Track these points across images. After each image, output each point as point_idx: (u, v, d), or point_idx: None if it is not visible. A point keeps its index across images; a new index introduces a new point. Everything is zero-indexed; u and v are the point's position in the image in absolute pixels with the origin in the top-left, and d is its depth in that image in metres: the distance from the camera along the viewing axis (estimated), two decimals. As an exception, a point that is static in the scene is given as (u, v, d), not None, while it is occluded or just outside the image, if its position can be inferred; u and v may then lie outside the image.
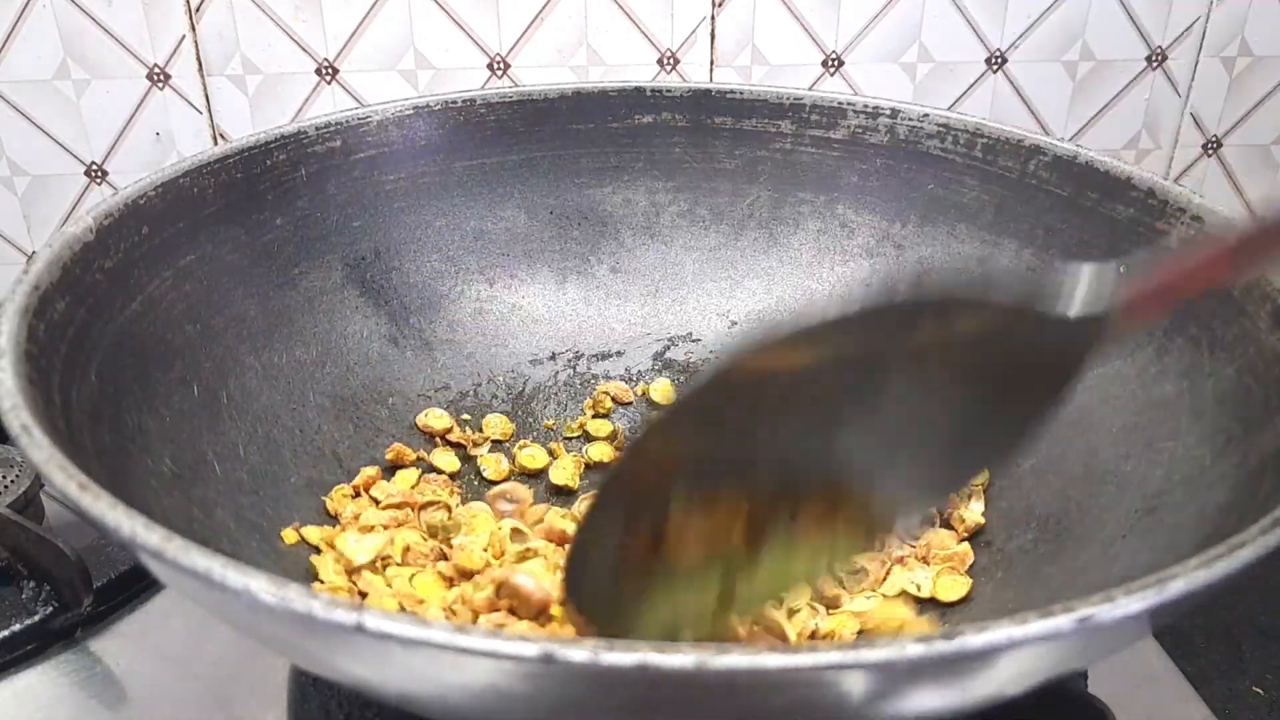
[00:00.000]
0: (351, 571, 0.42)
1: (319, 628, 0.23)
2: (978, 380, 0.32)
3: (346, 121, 0.51)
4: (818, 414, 0.33)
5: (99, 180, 0.72)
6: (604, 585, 0.35)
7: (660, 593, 0.34)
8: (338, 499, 0.46)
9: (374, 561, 0.42)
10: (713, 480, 0.33)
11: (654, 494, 0.33)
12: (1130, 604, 0.24)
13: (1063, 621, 0.23)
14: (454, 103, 0.54)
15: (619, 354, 0.57)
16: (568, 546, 0.38)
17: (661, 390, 0.56)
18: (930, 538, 0.45)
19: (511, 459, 0.52)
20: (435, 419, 0.51)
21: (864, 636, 0.41)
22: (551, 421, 0.54)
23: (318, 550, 0.43)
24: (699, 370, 0.34)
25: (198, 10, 0.67)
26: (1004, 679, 0.26)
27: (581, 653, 0.22)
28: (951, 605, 0.43)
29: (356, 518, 0.44)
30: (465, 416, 0.53)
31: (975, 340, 0.31)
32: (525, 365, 0.56)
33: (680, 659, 0.21)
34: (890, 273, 0.54)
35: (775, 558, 0.34)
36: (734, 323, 0.57)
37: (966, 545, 0.44)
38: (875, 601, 0.42)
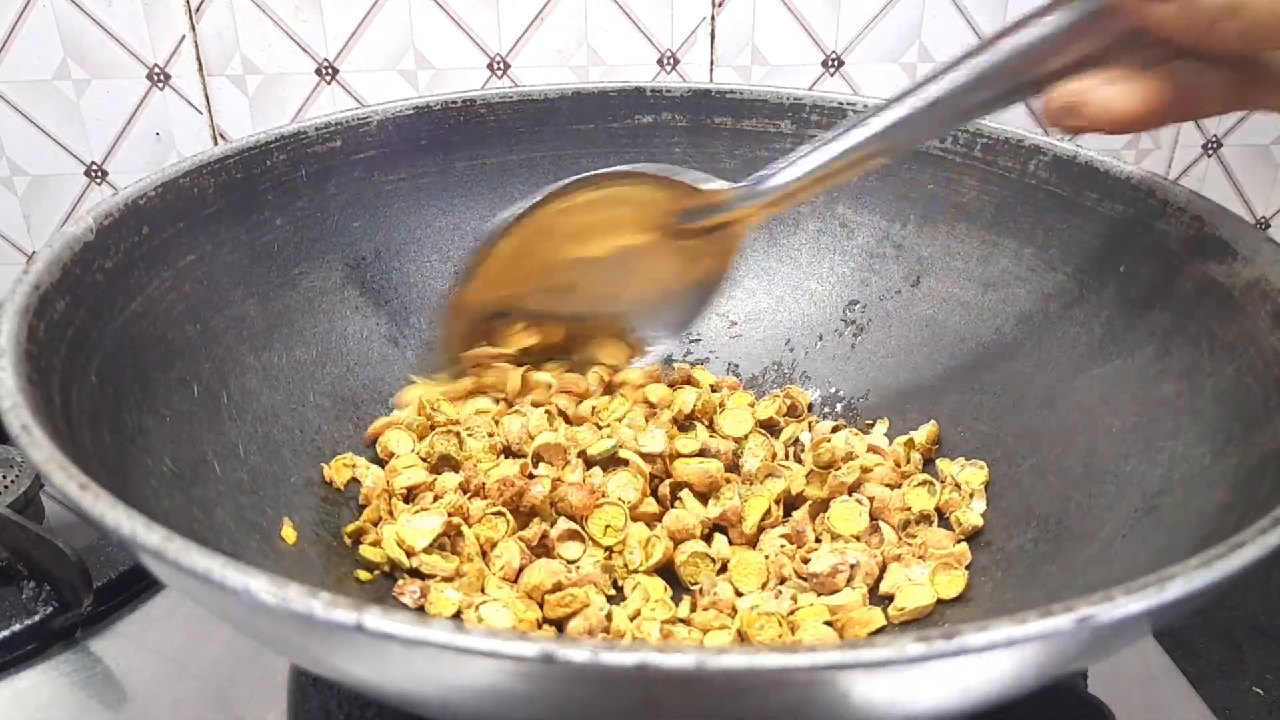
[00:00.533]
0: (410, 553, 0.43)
1: (319, 627, 0.23)
2: (688, 248, 0.49)
3: (346, 121, 0.51)
4: (591, 263, 0.51)
5: (99, 180, 0.72)
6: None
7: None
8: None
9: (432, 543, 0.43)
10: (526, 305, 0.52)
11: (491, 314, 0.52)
12: (1130, 604, 0.24)
13: (1063, 621, 0.23)
14: (454, 103, 0.54)
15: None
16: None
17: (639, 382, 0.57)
18: (927, 536, 0.45)
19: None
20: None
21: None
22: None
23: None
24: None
25: (198, 10, 0.67)
26: (1004, 679, 0.26)
27: (582, 653, 0.22)
28: (949, 602, 0.43)
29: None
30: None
31: (661, 208, 0.48)
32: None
33: (680, 659, 0.22)
34: (885, 270, 0.54)
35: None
36: (733, 322, 0.57)
37: (964, 545, 0.44)
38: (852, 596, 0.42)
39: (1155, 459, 0.40)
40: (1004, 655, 0.23)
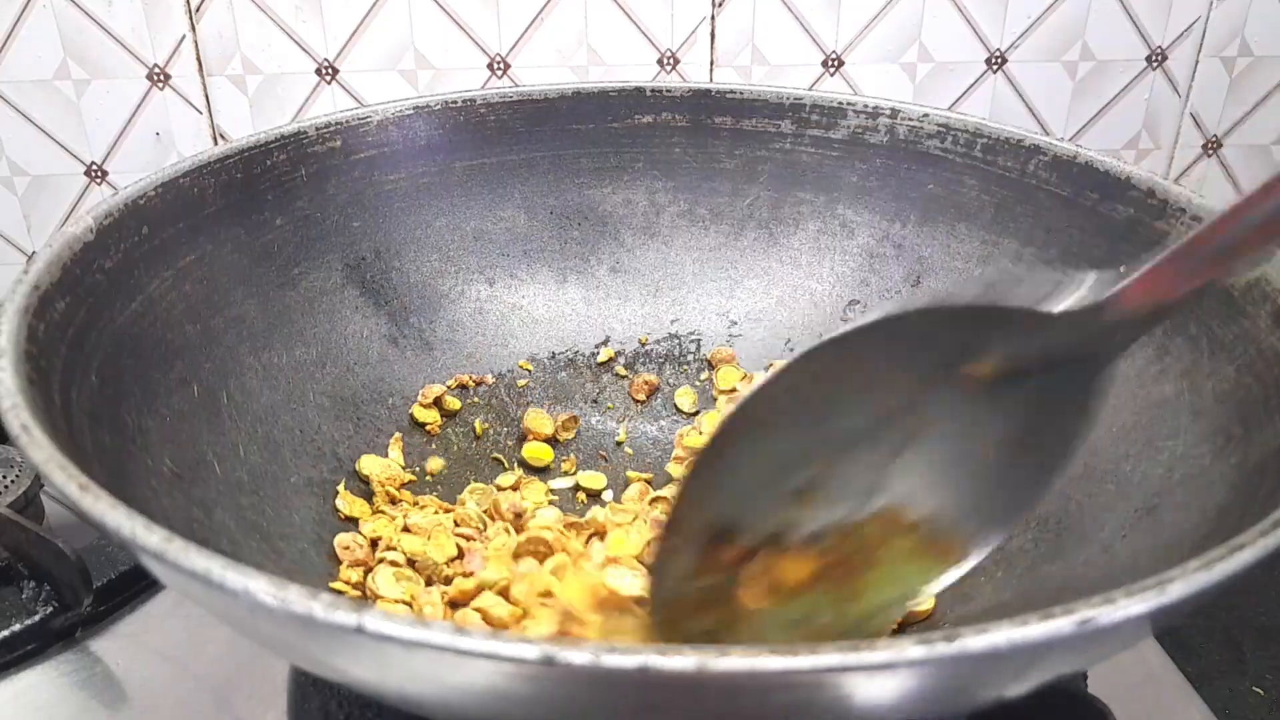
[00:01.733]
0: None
1: (319, 629, 0.23)
2: (1012, 401, 0.33)
3: (347, 121, 0.51)
4: (867, 434, 0.34)
5: (99, 180, 0.72)
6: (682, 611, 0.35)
7: (743, 625, 0.35)
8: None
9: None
10: (778, 514, 0.35)
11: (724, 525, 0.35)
12: (1131, 606, 0.24)
13: (1063, 624, 0.23)
14: (454, 103, 0.54)
15: (619, 354, 0.57)
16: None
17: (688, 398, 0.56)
18: None
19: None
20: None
21: None
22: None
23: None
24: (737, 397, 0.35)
25: (198, 10, 0.67)
26: (1004, 680, 0.26)
27: (583, 655, 0.22)
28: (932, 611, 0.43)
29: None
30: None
31: (991, 351, 0.32)
32: (523, 371, 0.56)
33: (681, 661, 0.21)
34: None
35: (852, 591, 0.36)
36: (733, 322, 0.57)
37: None
38: None
39: (1155, 459, 0.40)
40: (1005, 658, 0.23)
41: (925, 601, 0.42)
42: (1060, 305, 0.31)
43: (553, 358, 0.56)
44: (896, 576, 0.36)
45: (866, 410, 0.34)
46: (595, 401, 0.56)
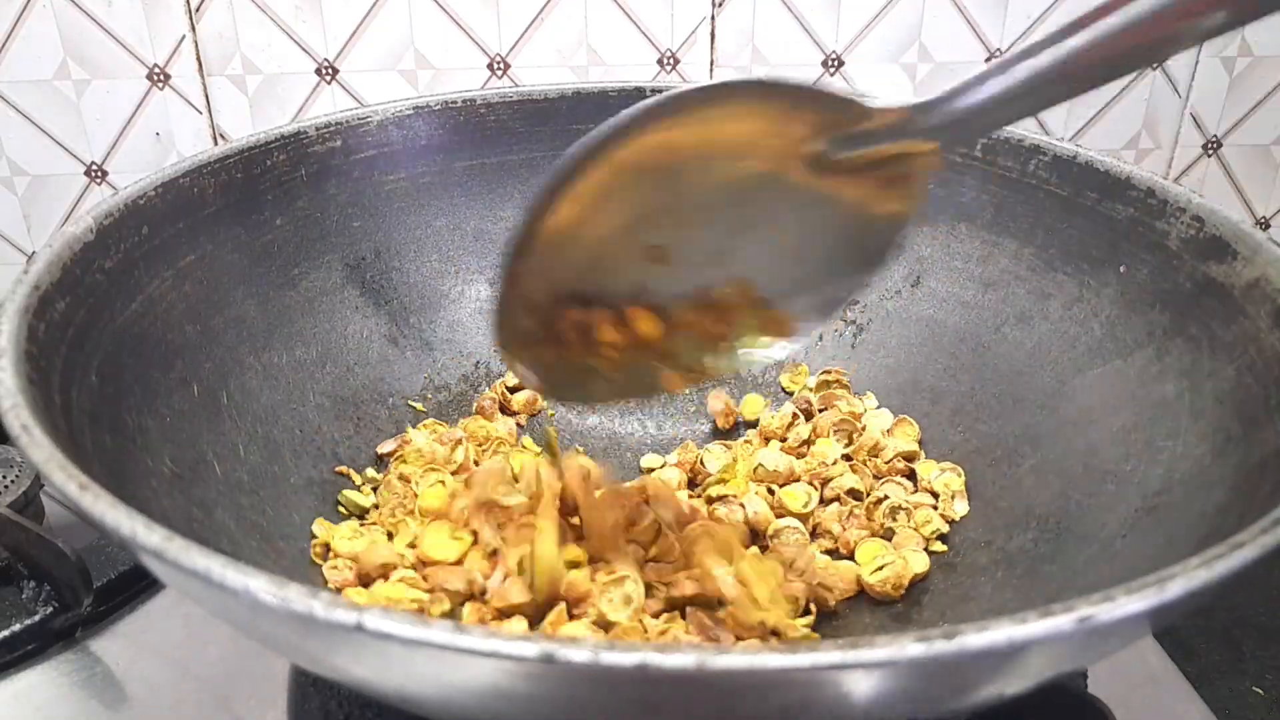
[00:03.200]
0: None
1: (319, 628, 0.23)
2: (842, 192, 0.36)
3: (347, 121, 0.51)
4: (705, 210, 0.37)
5: (99, 180, 0.72)
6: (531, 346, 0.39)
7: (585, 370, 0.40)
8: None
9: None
10: (613, 277, 0.38)
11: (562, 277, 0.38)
12: (1131, 604, 0.24)
13: (1063, 621, 0.23)
14: (454, 103, 0.54)
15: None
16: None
17: None
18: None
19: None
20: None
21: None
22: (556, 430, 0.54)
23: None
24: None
25: (198, 10, 0.67)
26: (1004, 678, 0.26)
27: (582, 653, 0.22)
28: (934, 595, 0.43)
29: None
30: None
31: (821, 135, 0.35)
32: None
33: (680, 659, 0.21)
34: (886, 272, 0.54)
35: (685, 347, 0.40)
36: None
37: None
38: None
39: (1155, 459, 0.40)
40: (1004, 656, 0.23)
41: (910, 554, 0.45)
42: (881, 102, 0.34)
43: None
44: (741, 341, 0.40)
45: (709, 179, 0.36)
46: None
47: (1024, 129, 0.50)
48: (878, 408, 0.53)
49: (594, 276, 0.38)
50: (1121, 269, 0.45)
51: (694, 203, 0.36)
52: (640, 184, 0.35)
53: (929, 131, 0.33)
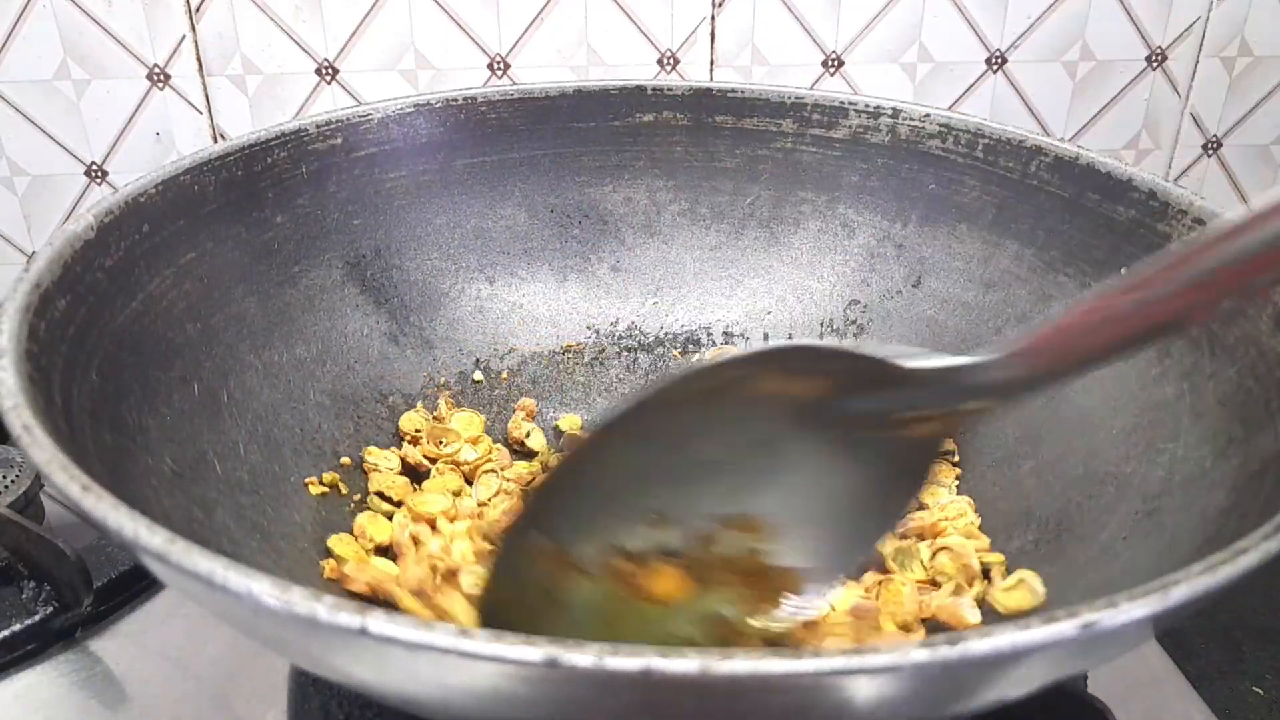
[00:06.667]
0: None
1: (322, 631, 0.23)
2: (865, 451, 0.34)
3: (347, 119, 0.51)
4: (729, 460, 0.35)
5: (99, 180, 0.71)
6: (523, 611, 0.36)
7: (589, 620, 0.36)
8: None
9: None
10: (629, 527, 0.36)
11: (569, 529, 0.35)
12: (1134, 609, 0.24)
13: (1066, 627, 0.23)
14: (455, 100, 0.54)
15: (618, 353, 0.57)
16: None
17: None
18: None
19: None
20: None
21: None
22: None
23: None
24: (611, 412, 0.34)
25: (198, 10, 0.67)
26: (1006, 683, 0.26)
27: (586, 657, 0.22)
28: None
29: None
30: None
31: (847, 392, 0.33)
32: (526, 364, 0.56)
33: (684, 664, 0.21)
34: (890, 272, 0.54)
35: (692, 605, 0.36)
36: (734, 321, 0.57)
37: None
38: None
39: (1156, 461, 0.40)
40: (1008, 661, 0.23)
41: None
42: (915, 363, 0.32)
43: (552, 356, 0.56)
44: (731, 598, 0.36)
45: (724, 441, 0.35)
46: (592, 401, 0.56)
47: (1025, 129, 0.50)
48: None
49: (597, 530, 0.36)
50: (1123, 271, 0.45)
51: (700, 459, 0.35)
52: (645, 450, 0.34)
53: (947, 394, 0.32)
